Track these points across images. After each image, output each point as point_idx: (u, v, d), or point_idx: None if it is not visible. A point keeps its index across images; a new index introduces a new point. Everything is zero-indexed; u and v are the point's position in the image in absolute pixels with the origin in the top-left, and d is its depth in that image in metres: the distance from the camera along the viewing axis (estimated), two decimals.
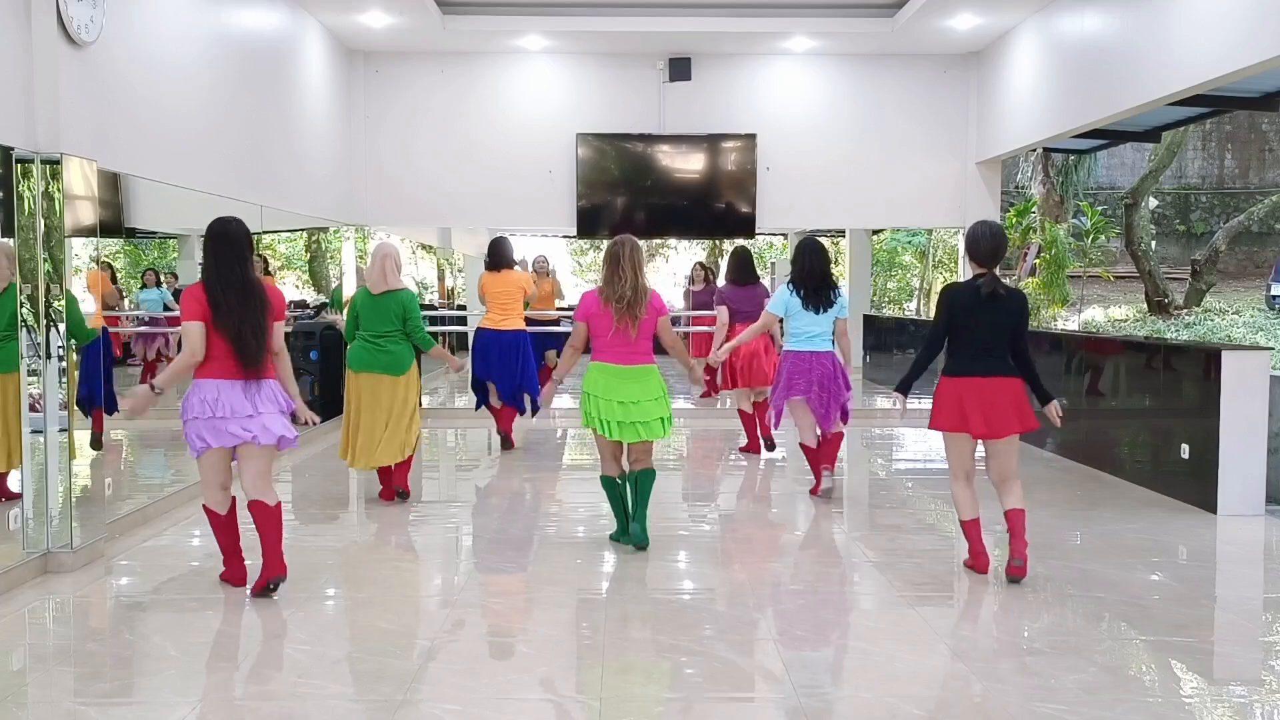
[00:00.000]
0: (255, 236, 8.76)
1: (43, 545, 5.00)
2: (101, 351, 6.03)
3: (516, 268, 8.37)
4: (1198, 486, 6.42)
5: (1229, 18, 6.31)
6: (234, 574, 4.76)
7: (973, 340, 4.90)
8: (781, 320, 6.53)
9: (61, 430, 5.06)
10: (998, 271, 5.00)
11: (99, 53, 5.43)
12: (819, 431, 6.55)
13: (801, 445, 6.67)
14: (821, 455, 6.61)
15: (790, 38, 10.09)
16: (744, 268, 7.77)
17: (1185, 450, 6.59)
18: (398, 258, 6.39)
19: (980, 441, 5.01)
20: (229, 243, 4.50)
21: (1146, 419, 7.24)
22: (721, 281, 8.07)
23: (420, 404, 6.60)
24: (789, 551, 5.63)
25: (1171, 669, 3.90)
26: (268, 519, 4.59)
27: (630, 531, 5.42)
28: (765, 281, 8.17)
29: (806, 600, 4.74)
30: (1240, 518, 6.17)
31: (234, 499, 4.73)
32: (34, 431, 5.04)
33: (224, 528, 4.70)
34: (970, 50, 10.43)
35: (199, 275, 4.59)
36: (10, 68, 4.85)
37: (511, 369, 8.16)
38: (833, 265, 6.51)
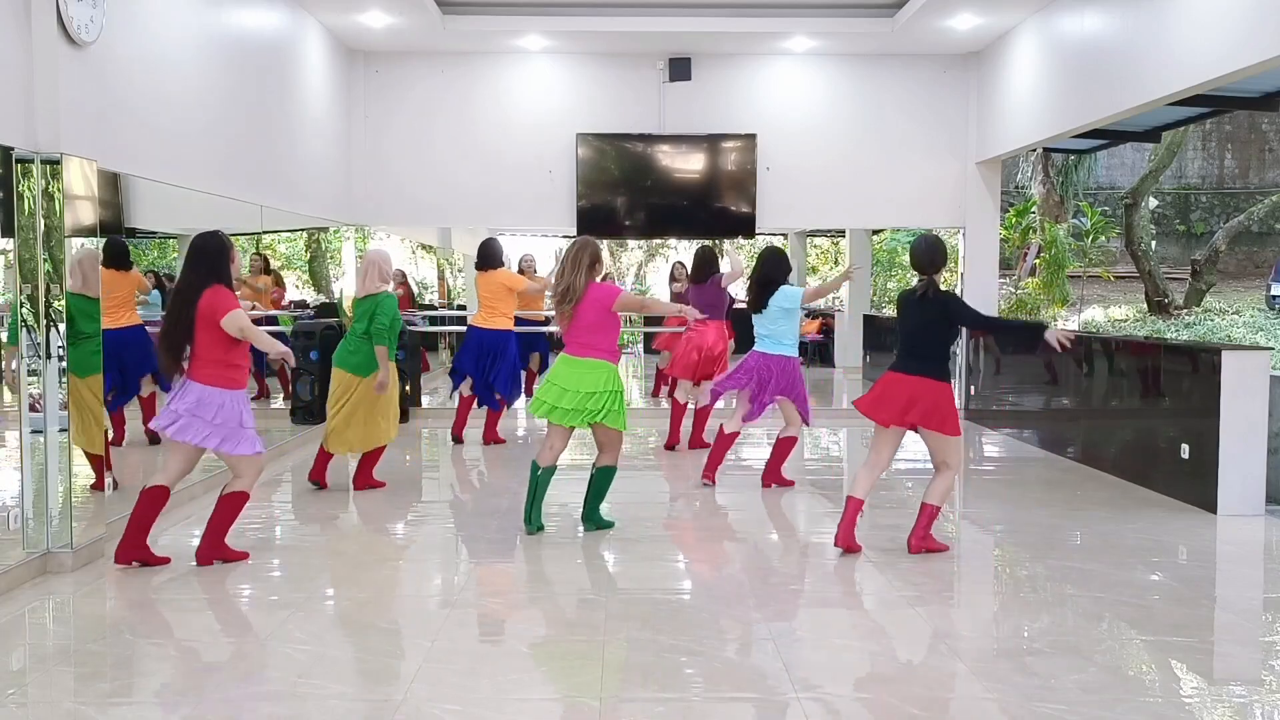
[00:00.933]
0: (255, 236, 8.82)
1: (43, 545, 5.00)
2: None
3: (504, 268, 8.61)
4: (1198, 486, 6.42)
5: (1229, 18, 6.31)
6: (120, 551, 5.04)
7: (901, 339, 5.36)
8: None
9: (61, 430, 5.06)
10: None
11: (99, 52, 5.43)
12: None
13: (723, 429, 7.04)
14: (771, 465, 7.08)
15: (790, 38, 10.09)
16: (700, 266, 8.21)
17: (1185, 450, 6.59)
18: (382, 265, 6.72)
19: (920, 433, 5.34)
20: (188, 255, 4.99)
21: (1146, 419, 7.24)
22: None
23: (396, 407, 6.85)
24: (788, 551, 5.63)
25: (1171, 669, 3.90)
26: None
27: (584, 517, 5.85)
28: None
29: (806, 600, 4.74)
30: (1240, 518, 6.17)
31: (165, 489, 5.01)
32: (34, 431, 5.04)
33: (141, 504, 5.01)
34: (970, 50, 10.43)
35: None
36: (10, 68, 4.85)
37: (492, 367, 8.42)
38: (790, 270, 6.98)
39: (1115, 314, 19.29)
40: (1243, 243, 24.74)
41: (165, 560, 5.06)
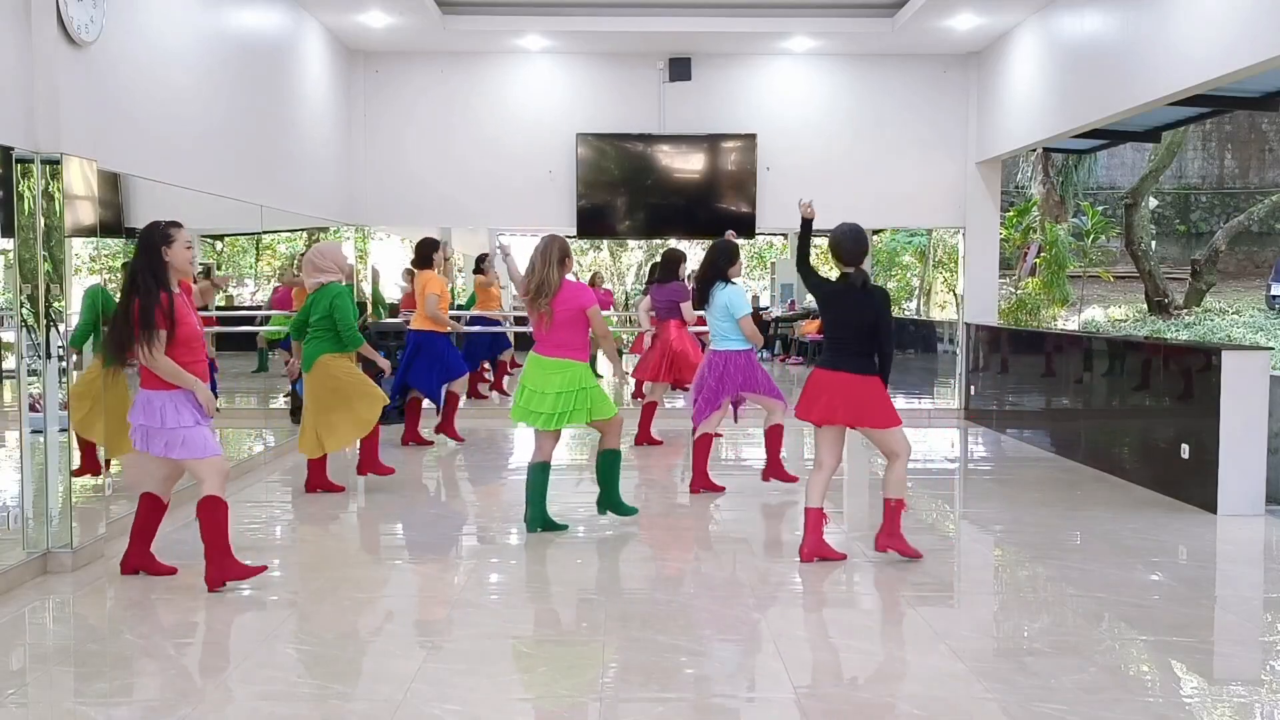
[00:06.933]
0: (255, 236, 8.82)
1: (43, 545, 5.00)
2: None
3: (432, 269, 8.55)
4: (1198, 486, 6.42)
5: (1229, 18, 6.31)
6: (124, 560, 4.94)
7: (839, 333, 5.13)
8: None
9: (61, 430, 5.06)
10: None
11: (99, 53, 5.43)
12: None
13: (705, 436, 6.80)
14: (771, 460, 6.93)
15: (790, 38, 10.08)
16: (664, 267, 8.47)
17: (1185, 450, 6.58)
18: (314, 259, 6.53)
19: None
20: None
21: (1146, 419, 7.24)
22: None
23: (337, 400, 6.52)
24: (789, 551, 5.63)
25: (1171, 669, 3.90)
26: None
27: (610, 504, 5.85)
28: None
29: (806, 600, 4.74)
30: (1240, 518, 6.17)
31: (157, 498, 4.84)
32: (34, 431, 5.04)
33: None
34: (970, 50, 10.42)
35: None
36: (10, 68, 4.85)
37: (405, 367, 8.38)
38: (731, 265, 6.69)
39: (1115, 314, 19.28)
40: (1243, 243, 24.73)
41: (171, 570, 4.89)
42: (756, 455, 8.41)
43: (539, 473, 5.68)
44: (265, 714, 3.42)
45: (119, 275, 6.52)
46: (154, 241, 4.54)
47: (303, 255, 9.16)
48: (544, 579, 5.07)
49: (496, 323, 11.26)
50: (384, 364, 6.87)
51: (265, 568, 4.82)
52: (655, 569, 5.22)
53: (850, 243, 5.11)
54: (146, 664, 3.92)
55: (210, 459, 4.61)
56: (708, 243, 7.13)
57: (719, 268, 6.59)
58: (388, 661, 3.91)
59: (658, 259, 9.22)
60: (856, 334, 5.02)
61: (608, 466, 5.78)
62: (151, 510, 4.85)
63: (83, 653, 4.05)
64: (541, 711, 3.49)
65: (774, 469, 6.94)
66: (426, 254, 8.37)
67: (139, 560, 4.89)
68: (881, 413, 5.03)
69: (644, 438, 8.58)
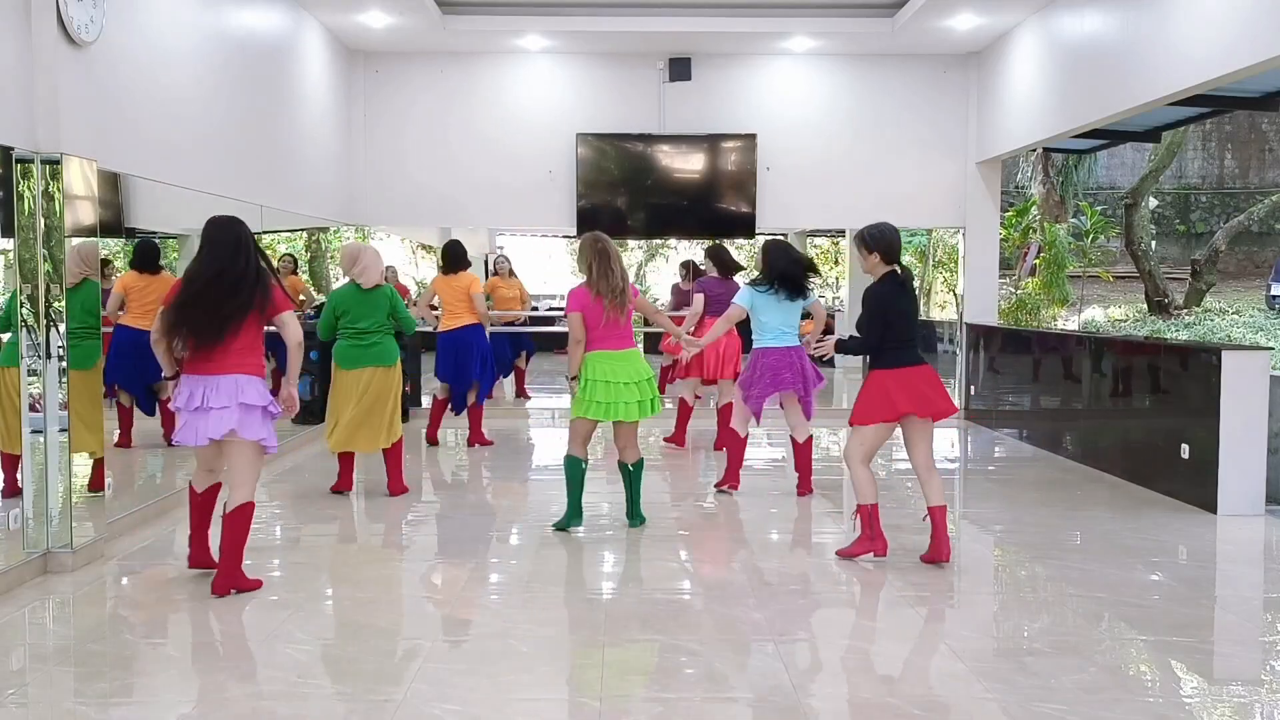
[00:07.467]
0: (255, 236, 8.83)
1: (43, 545, 5.00)
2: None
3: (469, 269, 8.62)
4: (1198, 486, 6.42)
5: (1229, 18, 6.31)
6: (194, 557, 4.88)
7: (905, 329, 5.21)
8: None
9: (61, 430, 5.05)
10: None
11: (99, 53, 5.43)
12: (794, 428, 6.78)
13: (735, 433, 6.78)
14: (800, 472, 6.79)
15: (790, 38, 10.08)
16: (723, 264, 8.21)
17: (1185, 450, 6.58)
18: (378, 255, 6.78)
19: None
20: (233, 240, 4.66)
21: (1146, 419, 7.24)
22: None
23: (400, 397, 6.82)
24: (789, 551, 5.63)
25: (1171, 669, 3.90)
26: (227, 522, 4.64)
27: (631, 515, 5.90)
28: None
29: (806, 600, 4.74)
30: (1240, 518, 6.17)
31: (218, 484, 4.78)
32: (34, 431, 5.04)
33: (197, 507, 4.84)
34: (970, 50, 10.42)
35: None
36: (10, 68, 4.85)
37: (461, 367, 8.38)
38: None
39: (1115, 314, 19.28)
40: (1243, 243, 24.73)
41: (257, 583, 4.72)
42: (756, 456, 8.41)
43: (583, 469, 5.80)
44: (265, 714, 3.42)
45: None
46: (249, 232, 4.73)
47: (286, 259, 9.27)
48: (544, 579, 5.07)
49: (517, 324, 11.26)
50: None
51: (261, 583, 4.74)
52: (656, 569, 5.21)
53: (898, 238, 5.27)
54: (146, 664, 3.92)
55: (264, 456, 4.68)
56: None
57: (806, 266, 6.68)
58: (388, 661, 3.91)
59: (690, 258, 9.13)
60: (914, 325, 5.26)
61: (640, 479, 5.90)
62: (210, 501, 4.82)
63: (83, 653, 4.05)
64: (541, 711, 3.49)
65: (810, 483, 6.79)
66: (461, 255, 8.47)
67: (205, 556, 4.86)
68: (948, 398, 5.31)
69: (679, 439, 8.64)
